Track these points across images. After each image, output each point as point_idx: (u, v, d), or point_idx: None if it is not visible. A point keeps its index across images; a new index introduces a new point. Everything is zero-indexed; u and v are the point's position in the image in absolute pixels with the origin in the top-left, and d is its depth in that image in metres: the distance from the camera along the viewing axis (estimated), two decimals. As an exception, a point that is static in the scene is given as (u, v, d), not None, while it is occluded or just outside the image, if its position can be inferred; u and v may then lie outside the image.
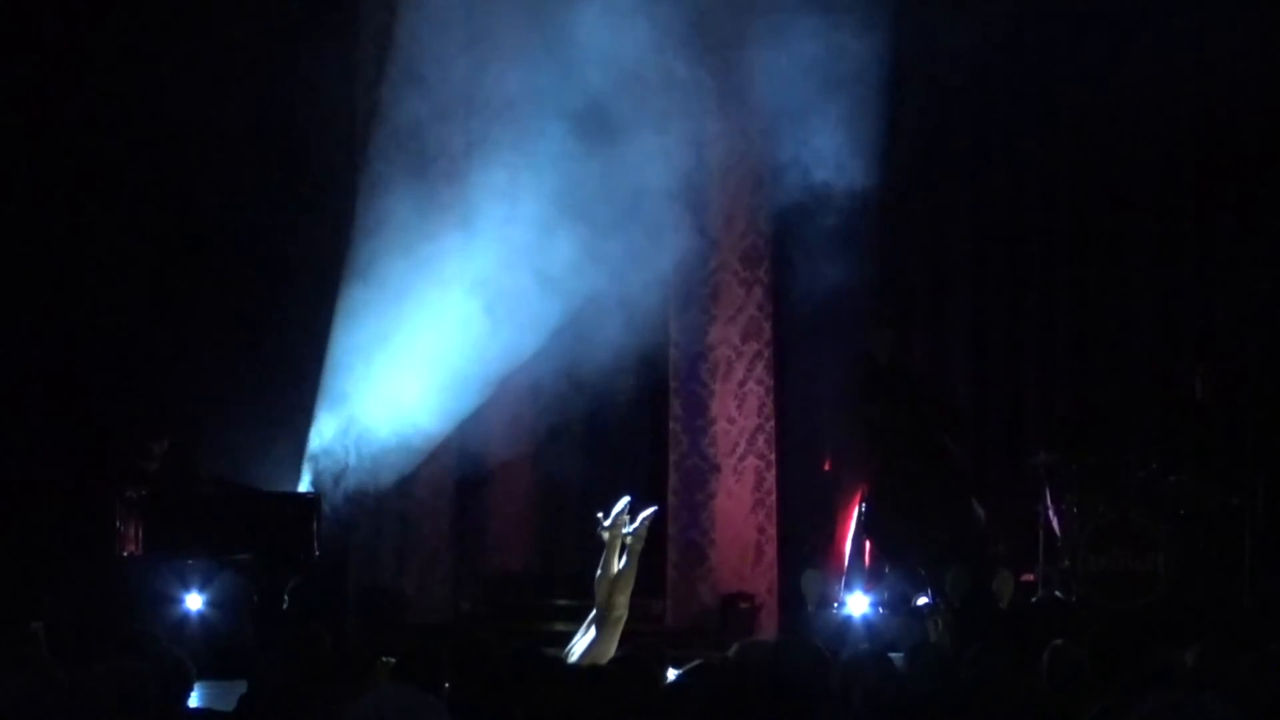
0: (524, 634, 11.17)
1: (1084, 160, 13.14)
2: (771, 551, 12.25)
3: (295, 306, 12.11)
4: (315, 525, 10.93)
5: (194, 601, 10.84)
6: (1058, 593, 11.44)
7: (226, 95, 12.00)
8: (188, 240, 12.38)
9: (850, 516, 12.06)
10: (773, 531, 12.28)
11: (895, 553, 11.77)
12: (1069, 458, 11.62)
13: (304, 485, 11.59)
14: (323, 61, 11.88)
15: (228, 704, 6.54)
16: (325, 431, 11.72)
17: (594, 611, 9.91)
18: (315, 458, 11.67)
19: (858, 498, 12.03)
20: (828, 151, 11.82)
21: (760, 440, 12.28)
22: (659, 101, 11.90)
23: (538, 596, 12.46)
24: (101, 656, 6.33)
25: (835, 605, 11.57)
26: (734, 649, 6.91)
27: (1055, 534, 11.61)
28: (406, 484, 12.04)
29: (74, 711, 5.59)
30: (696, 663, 6.39)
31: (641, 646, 7.03)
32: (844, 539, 12.06)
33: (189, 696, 6.54)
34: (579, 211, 11.65)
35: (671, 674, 6.60)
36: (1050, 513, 11.63)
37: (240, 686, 6.69)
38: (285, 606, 10.51)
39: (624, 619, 9.87)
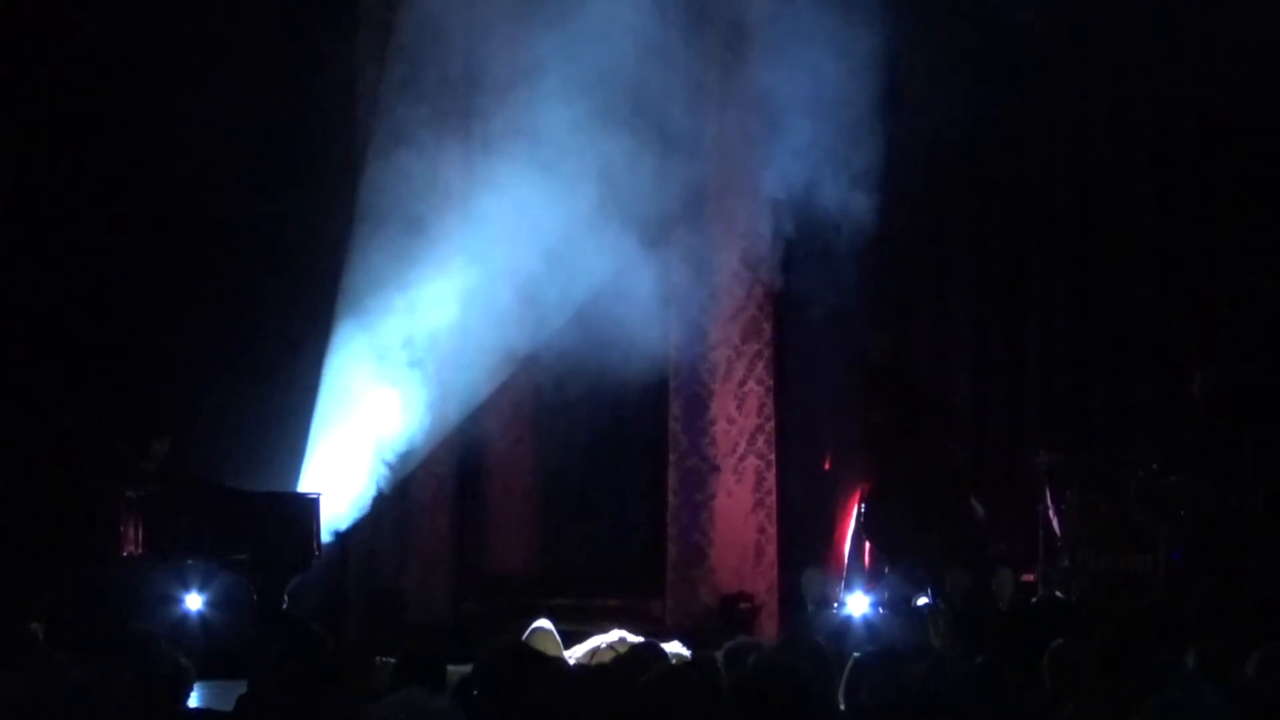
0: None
1: (1084, 160, 13.14)
2: (771, 551, 12.26)
3: (296, 305, 12.10)
4: (315, 525, 10.92)
5: (194, 601, 10.84)
6: (1058, 593, 11.42)
7: (226, 94, 11.99)
8: (187, 239, 12.38)
9: (850, 516, 12.06)
10: (773, 531, 12.28)
11: (895, 553, 11.77)
12: (1069, 458, 11.62)
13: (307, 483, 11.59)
14: (323, 57, 11.88)
15: (228, 704, 6.53)
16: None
17: None
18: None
19: (857, 497, 12.03)
20: (828, 152, 11.82)
21: (760, 440, 12.28)
22: (660, 101, 11.90)
23: (538, 596, 12.44)
24: (101, 656, 6.33)
25: (835, 605, 11.56)
26: (724, 649, 6.91)
27: (1055, 534, 11.61)
28: (406, 484, 12.04)
29: (73, 711, 5.59)
30: (686, 660, 6.38)
31: (641, 646, 7.03)
32: (844, 539, 12.06)
33: (189, 696, 6.54)
34: (578, 212, 11.64)
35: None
36: (1050, 513, 11.62)
37: (240, 686, 6.68)
38: (285, 606, 10.50)
39: None
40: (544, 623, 10.34)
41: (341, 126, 12.22)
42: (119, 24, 12.14)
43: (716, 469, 12.26)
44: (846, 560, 11.92)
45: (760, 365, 12.34)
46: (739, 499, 12.27)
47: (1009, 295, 13.23)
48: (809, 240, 12.16)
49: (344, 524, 11.68)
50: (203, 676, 7.08)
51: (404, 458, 11.92)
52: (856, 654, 6.83)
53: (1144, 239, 13.11)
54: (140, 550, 10.71)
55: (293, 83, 11.90)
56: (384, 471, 11.77)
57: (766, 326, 12.37)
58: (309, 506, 11.03)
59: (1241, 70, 12.54)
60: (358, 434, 11.79)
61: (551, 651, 9.99)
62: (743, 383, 12.30)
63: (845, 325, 12.55)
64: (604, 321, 11.75)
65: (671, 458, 12.33)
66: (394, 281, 11.82)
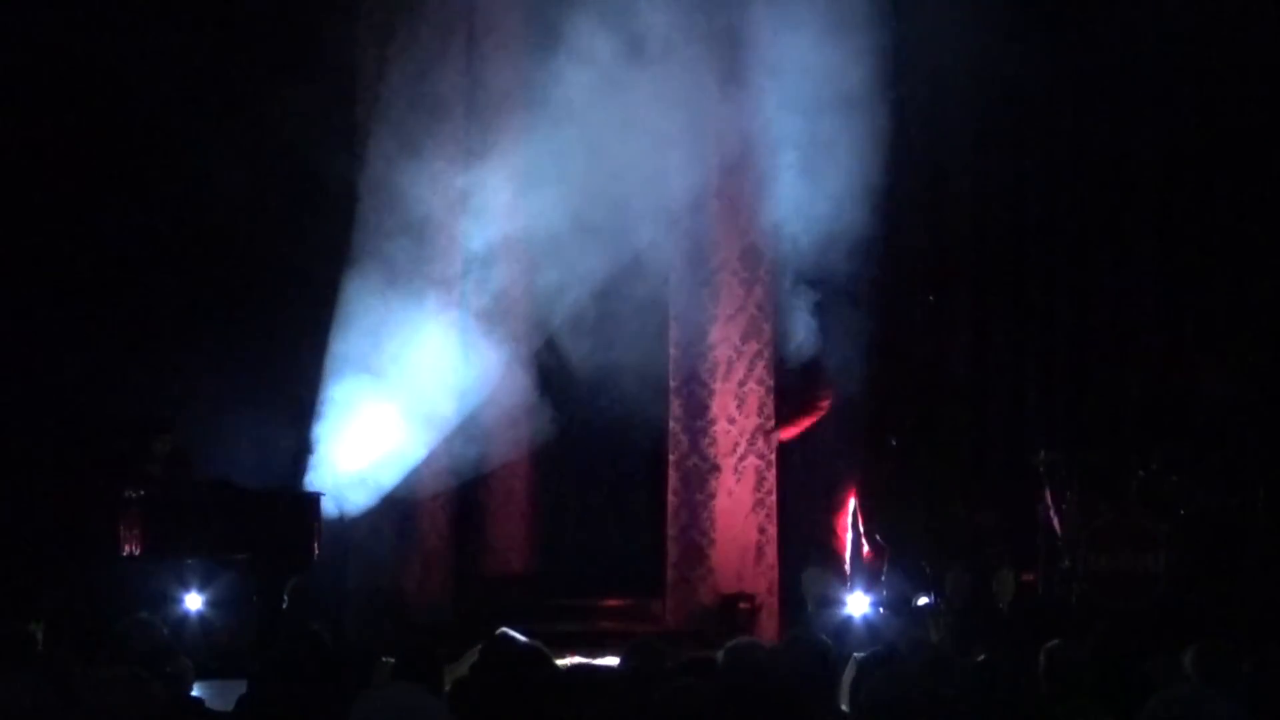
0: (523, 634, 11.15)
1: (1086, 159, 13.15)
2: (771, 551, 12.25)
3: (296, 305, 12.11)
4: (315, 525, 10.92)
5: (194, 601, 10.84)
6: (1058, 593, 11.44)
7: (226, 95, 11.99)
8: (188, 240, 12.38)
9: (849, 516, 12.06)
10: (773, 531, 12.28)
11: (895, 552, 11.78)
12: (1069, 458, 11.63)
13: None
14: (323, 58, 11.89)
15: (228, 704, 6.54)
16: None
17: None
18: None
19: (852, 495, 12.04)
20: (829, 150, 11.82)
21: (760, 440, 12.27)
22: (660, 101, 11.89)
23: (538, 596, 12.45)
24: (100, 656, 6.33)
25: (836, 605, 11.56)
26: (724, 649, 6.91)
27: (1055, 534, 11.62)
28: (406, 484, 12.04)
29: (73, 711, 5.59)
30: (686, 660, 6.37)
31: (642, 646, 7.02)
32: (844, 539, 12.06)
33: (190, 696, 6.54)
34: (578, 212, 11.64)
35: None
36: (1050, 513, 11.64)
37: (240, 686, 6.68)
38: (285, 606, 10.50)
39: None
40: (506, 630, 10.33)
41: (341, 126, 12.21)
42: (118, 21, 12.14)
43: (716, 469, 12.26)
44: (847, 560, 11.92)
45: (760, 365, 12.33)
46: (739, 499, 12.26)
47: (1009, 295, 13.24)
48: (809, 238, 12.15)
49: (344, 524, 11.68)
50: (203, 676, 7.09)
51: (403, 458, 11.93)
52: (857, 654, 6.83)
53: (1146, 238, 13.12)
54: (140, 550, 10.72)
55: (293, 81, 11.89)
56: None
57: (766, 326, 12.36)
58: (309, 505, 11.04)
59: (1243, 69, 12.55)
60: (358, 433, 11.79)
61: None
62: (743, 383, 12.30)
63: (845, 323, 12.56)
64: (603, 322, 11.75)
65: (671, 458, 12.33)
66: (395, 281, 11.82)
